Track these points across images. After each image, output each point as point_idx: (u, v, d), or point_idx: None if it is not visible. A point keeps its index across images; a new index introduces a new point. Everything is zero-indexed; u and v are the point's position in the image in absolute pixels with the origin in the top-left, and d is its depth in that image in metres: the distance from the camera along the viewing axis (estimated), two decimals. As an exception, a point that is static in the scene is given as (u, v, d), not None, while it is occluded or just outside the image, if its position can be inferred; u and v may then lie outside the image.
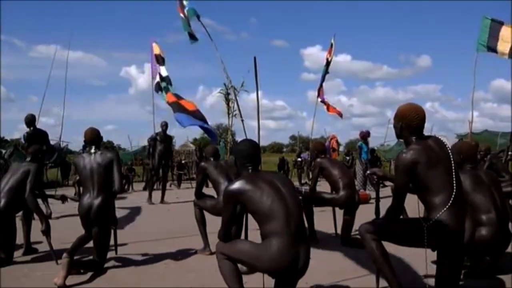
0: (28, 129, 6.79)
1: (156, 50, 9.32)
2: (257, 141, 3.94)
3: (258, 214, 2.28)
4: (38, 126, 7.10)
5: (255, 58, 3.99)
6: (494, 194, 3.25)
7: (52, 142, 13.48)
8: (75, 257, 3.77)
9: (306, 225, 4.64)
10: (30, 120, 6.88)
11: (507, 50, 8.07)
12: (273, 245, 2.19)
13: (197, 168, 4.73)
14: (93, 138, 3.84)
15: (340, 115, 12.97)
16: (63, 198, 4.76)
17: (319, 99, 12.46)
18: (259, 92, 4.08)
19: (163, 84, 8.25)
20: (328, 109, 12.60)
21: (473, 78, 9.12)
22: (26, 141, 6.73)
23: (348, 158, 14.20)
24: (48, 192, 9.61)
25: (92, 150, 3.77)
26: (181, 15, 7.74)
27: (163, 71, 8.75)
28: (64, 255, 3.37)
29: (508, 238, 3.26)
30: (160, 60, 9.12)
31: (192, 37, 7.65)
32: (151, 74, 9.28)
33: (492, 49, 8.42)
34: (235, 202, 2.36)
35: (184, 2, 7.72)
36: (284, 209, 2.25)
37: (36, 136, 6.64)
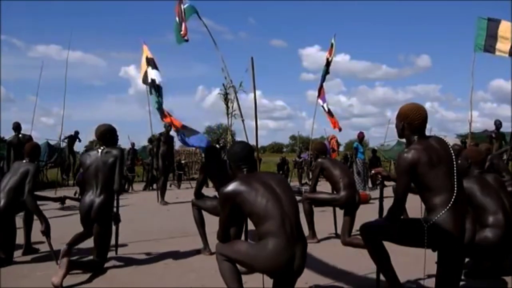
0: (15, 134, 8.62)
1: (146, 52, 9.61)
2: (255, 141, 3.94)
3: (254, 215, 2.29)
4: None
5: (252, 59, 4.01)
6: (502, 197, 3.24)
7: (52, 142, 13.61)
8: (75, 258, 3.78)
9: (306, 225, 4.64)
10: (15, 127, 8.62)
11: (507, 48, 8.08)
12: (269, 245, 2.21)
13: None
14: (100, 137, 3.80)
15: (339, 129, 12.69)
16: (62, 200, 4.73)
17: (320, 101, 12.44)
18: (258, 92, 4.09)
19: (155, 99, 8.80)
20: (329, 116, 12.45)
21: (471, 78, 9.17)
22: (7, 145, 8.70)
23: (348, 161, 14.36)
24: (48, 192, 9.66)
25: (99, 149, 3.75)
26: (176, 18, 7.87)
27: (154, 74, 9.07)
28: (64, 247, 3.45)
29: None
30: (151, 62, 9.41)
31: (181, 37, 7.85)
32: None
33: (489, 49, 8.44)
34: (231, 203, 2.36)
35: None
36: (279, 209, 2.26)
37: (22, 142, 7.65)
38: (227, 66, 6.02)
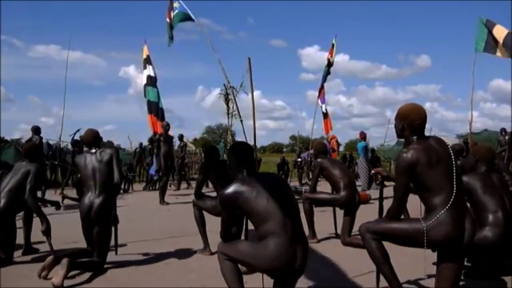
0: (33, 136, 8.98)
1: (146, 53, 9.93)
2: (252, 142, 3.93)
3: (254, 215, 2.30)
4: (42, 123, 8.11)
5: (249, 59, 4.02)
6: (504, 196, 3.24)
7: (51, 142, 13.64)
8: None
9: (306, 225, 4.64)
10: (34, 130, 9.04)
11: (508, 54, 8.11)
12: (270, 245, 2.22)
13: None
14: (93, 140, 3.90)
15: (326, 131, 12.97)
16: (57, 205, 4.73)
17: (319, 101, 12.46)
18: (257, 92, 4.11)
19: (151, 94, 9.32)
20: (326, 120, 12.65)
21: (472, 78, 9.15)
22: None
23: (347, 161, 14.39)
24: (48, 192, 9.65)
25: (93, 150, 3.82)
26: (167, 19, 8.12)
27: (150, 70, 9.56)
28: (51, 257, 3.45)
29: None
30: (148, 60, 9.76)
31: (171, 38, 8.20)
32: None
33: (490, 50, 8.45)
34: (232, 204, 2.37)
35: (175, 4, 7.92)
36: (280, 210, 2.27)
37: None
38: (225, 67, 5.99)
